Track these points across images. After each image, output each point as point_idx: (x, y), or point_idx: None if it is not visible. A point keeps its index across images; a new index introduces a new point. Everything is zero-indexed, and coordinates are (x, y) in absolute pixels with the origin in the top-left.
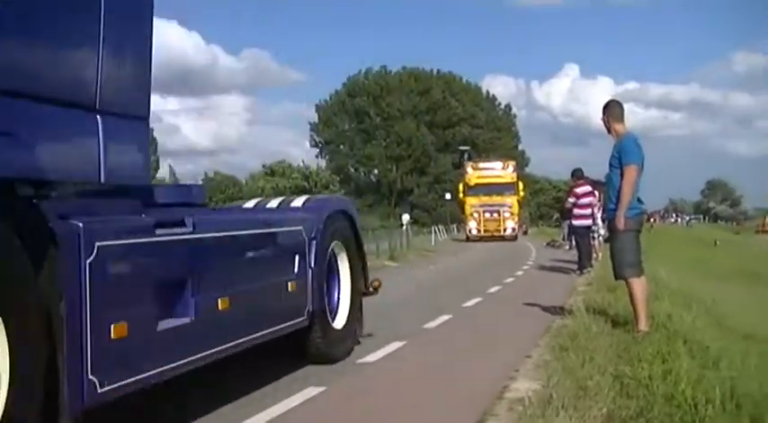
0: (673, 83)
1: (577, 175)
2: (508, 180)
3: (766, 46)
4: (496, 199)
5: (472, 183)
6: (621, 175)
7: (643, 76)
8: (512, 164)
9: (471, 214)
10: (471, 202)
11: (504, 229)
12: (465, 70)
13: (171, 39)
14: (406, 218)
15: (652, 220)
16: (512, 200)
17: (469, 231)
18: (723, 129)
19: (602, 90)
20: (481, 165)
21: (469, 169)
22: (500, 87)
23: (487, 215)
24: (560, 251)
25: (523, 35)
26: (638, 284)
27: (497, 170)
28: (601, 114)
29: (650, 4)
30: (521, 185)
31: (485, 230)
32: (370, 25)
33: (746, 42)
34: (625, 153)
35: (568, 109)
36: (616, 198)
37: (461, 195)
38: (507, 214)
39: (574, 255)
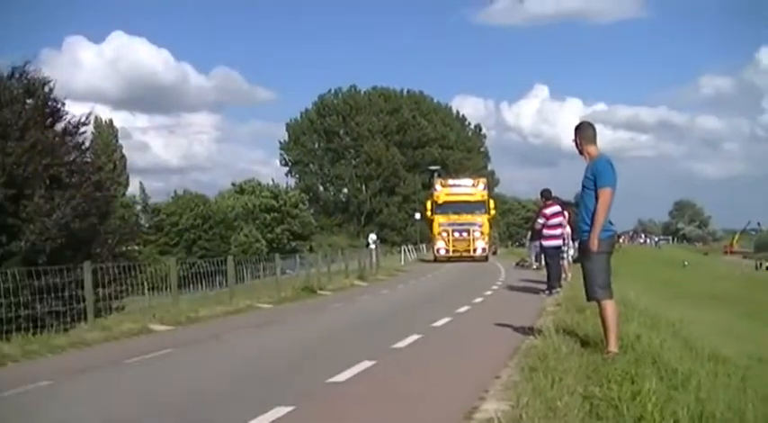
0: (641, 105)
1: (546, 195)
2: (478, 198)
3: (733, 69)
4: (466, 218)
5: (441, 200)
6: (596, 197)
7: (612, 97)
8: (482, 181)
9: (440, 233)
10: (440, 220)
11: (474, 250)
12: (434, 91)
13: (141, 56)
14: (372, 237)
15: (621, 240)
16: (482, 219)
17: (437, 251)
18: (690, 151)
19: (572, 111)
20: (450, 182)
21: (438, 186)
22: (469, 108)
23: (456, 235)
24: (529, 271)
25: (493, 55)
26: (610, 306)
27: (467, 188)
28: (573, 136)
29: (618, 26)
30: (491, 204)
31: (453, 250)
32: (339, 45)
33: (714, 66)
34: (600, 175)
35: (538, 130)
36: (590, 219)
37: (429, 213)
38: (477, 234)
39: (543, 275)
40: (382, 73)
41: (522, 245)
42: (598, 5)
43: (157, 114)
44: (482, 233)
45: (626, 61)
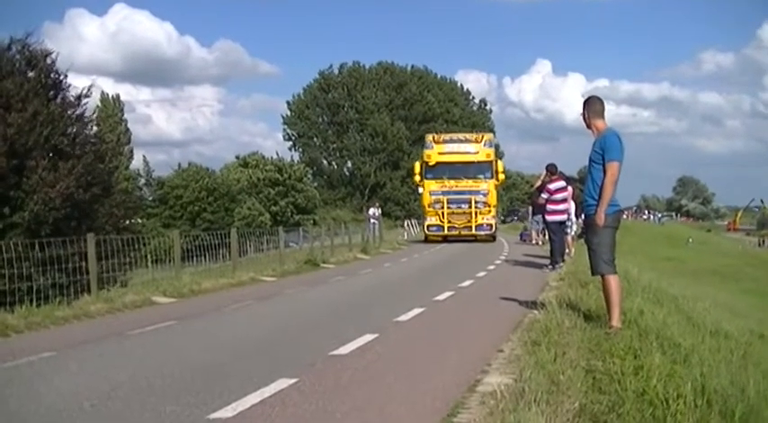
0: (643, 81)
1: (551, 170)
2: (483, 158)
3: (735, 46)
4: (467, 184)
5: (433, 161)
6: (603, 171)
7: (614, 73)
8: (488, 138)
9: (431, 205)
10: (432, 187)
11: (478, 226)
12: (437, 66)
13: (144, 28)
14: (371, 212)
15: (627, 214)
16: (487, 185)
17: (428, 228)
18: (692, 127)
19: (574, 87)
20: (446, 137)
21: (430, 143)
22: (472, 83)
23: (454, 206)
24: (533, 246)
25: (496, 30)
26: (614, 281)
27: (468, 145)
28: (581, 110)
29: (621, 1)
30: (500, 166)
31: (450, 227)
32: (341, 21)
33: (716, 42)
34: (609, 149)
35: (540, 105)
36: (597, 194)
37: (419, 178)
38: (481, 205)
39: (546, 250)
40: (385, 49)
41: (521, 219)
42: None
43: (160, 87)
44: (487, 204)
45: (628, 37)
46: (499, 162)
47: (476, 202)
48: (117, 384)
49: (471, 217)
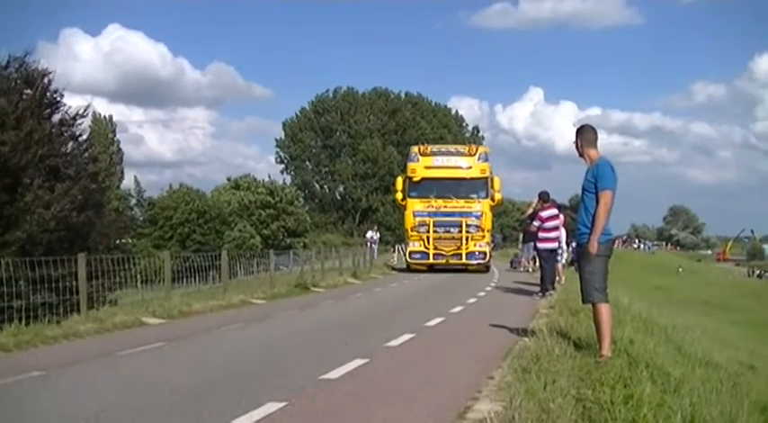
0: (635, 110)
1: (544, 197)
2: (476, 174)
3: (726, 77)
4: (457, 204)
5: (418, 176)
6: (596, 200)
7: (606, 102)
8: (483, 151)
9: (415, 228)
10: (416, 207)
11: (469, 254)
12: (430, 92)
13: (138, 49)
14: (370, 235)
15: (618, 243)
16: (481, 206)
17: (410, 255)
18: (684, 157)
19: (566, 115)
20: (434, 149)
21: (415, 155)
22: (464, 109)
23: (441, 230)
24: (523, 273)
25: (489, 58)
26: (606, 309)
27: (459, 158)
28: (574, 138)
29: (613, 31)
30: (496, 184)
31: (436, 254)
32: (335, 47)
33: (707, 73)
34: (602, 178)
35: (532, 132)
36: (590, 222)
37: (401, 196)
38: (474, 229)
39: (536, 277)
40: (378, 74)
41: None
42: (593, 11)
43: (153, 108)
44: (480, 228)
45: (620, 66)
46: (495, 179)
47: (467, 226)
48: (106, 405)
49: (461, 243)
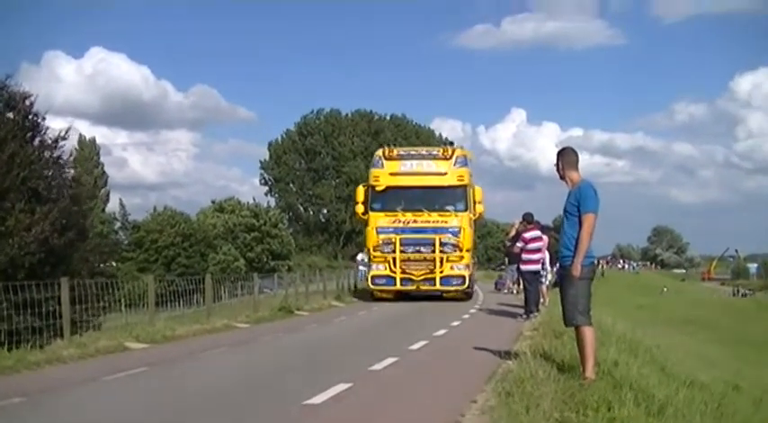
0: (617, 131)
1: (528, 219)
2: (453, 182)
3: (707, 97)
4: (429, 218)
5: (382, 185)
6: (579, 222)
7: (588, 122)
8: (460, 153)
9: (378, 247)
10: (379, 222)
11: (444, 278)
12: (412, 113)
13: (121, 72)
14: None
15: (602, 263)
16: (459, 221)
17: (372, 281)
18: (666, 177)
19: (548, 136)
20: (401, 152)
21: (379, 159)
22: (447, 131)
23: (410, 250)
24: (507, 295)
25: (470, 79)
26: (589, 332)
27: (432, 162)
28: (555, 161)
29: (595, 52)
30: (477, 193)
31: (404, 279)
32: (319, 68)
33: (688, 93)
34: (584, 201)
35: (514, 153)
36: (572, 245)
37: (361, 209)
38: (450, 248)
39: (521, 299)
40: (361, 95)
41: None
42: (575, 31)
43: (136, 131)
44: (458, 247)
45: (602, 87)
46: (476, 188)
47: (442, 245)
48: None
49: (435, 265)
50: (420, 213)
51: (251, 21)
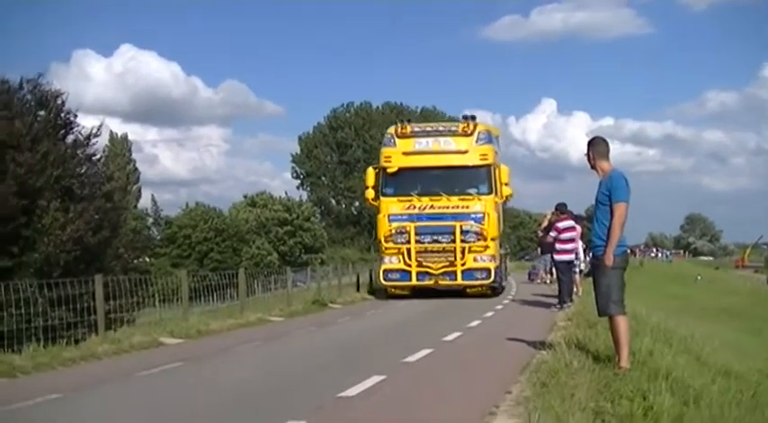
0: (647, 119)
1: (561, 209)
2: (476, 161)
3: (738, 85)
4: (449, 203)
5: (394, 166)
6: (611, 212)
7: (619, 112)
8: (483, 129)
9: (390, 237)
10: (392, 208)
11: (466, 272)
12: (445, 105)
13: (150, 69)
14: None
15: (640, 255)
16: (483, 205)
17: (384, 276)
18: (698, 165)
19: (579, 125)
20: (417, 128)
21: (391, 137)
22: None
23: (427, 239)
24: (540, 286)
25: (500, 70)
26: (623, 321)
27: (451, 139)
28: (585, 151)
29: (624, 41)
30: (503, 174)
31: (420, 273)
32: (348, 62)
33: (718, 81)
34: (615, 190)
35: (545, 144)
36: (604, 235)
37: (371, 194)
38: (473, 237)
39: (554, 289)
40: (390, 90)
41: (529, 259)
42: (603, 21)
43: (167, 127)
44: (482, 236)
45: (632, 76)
46: (502, 168)
47: (463, 233)
48: None
49: (456, 257)
50: (438, 198)
51: (279, 16)
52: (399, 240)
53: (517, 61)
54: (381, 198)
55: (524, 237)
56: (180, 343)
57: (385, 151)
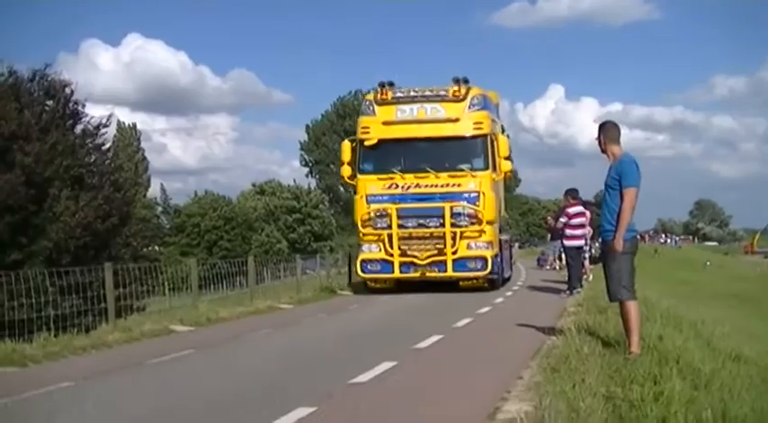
0: (656, 105)
1: (572, 194)
2: (469, 130)
3: (746, 69)
4: (437, 181)
5: (373, 138)
6: (620, 197)
7: (627, 97)
8: (476, 93)
9: (368, 221)
10: (371, 187)
11: (458, 261)
12: None
13: (158, 58)
14: None
15: (649, 241)
16: (477, 183)
17: (362, 266)
18: (707, 150)
19: (587, 111)
20: (400, 93)
21: (370, 105)
22: None
23: (411, 224)
24: (551, 272)
25: (507, 57)
26: (633, 306)
27: (438, 105)
28: (596, 135)
29: (632, 27)
30: (502, 146)
31: (404, 264)
32: (355, 50)
33: (727, 66)
34: (625, 175)
35: (553, 130)
36: (614, 220)
37: (348, 171)
38: (465, 220)
39: (564, 275)
40: (398, 76)
41: (535, 245)
42: (611, 7)
43: (175, 116)
44: (477, 219)
45: (640, 61)
46: (501, 139)
47: (454, 216)
48: (135, 417)
49: (446, 244)
50: (424, 175)
51: (287, 5)
52: (379, 225)
53: (525, 47)
54: (359, 176)
55: (533, 223)
56: (190, 331)
57: (362, 121)
